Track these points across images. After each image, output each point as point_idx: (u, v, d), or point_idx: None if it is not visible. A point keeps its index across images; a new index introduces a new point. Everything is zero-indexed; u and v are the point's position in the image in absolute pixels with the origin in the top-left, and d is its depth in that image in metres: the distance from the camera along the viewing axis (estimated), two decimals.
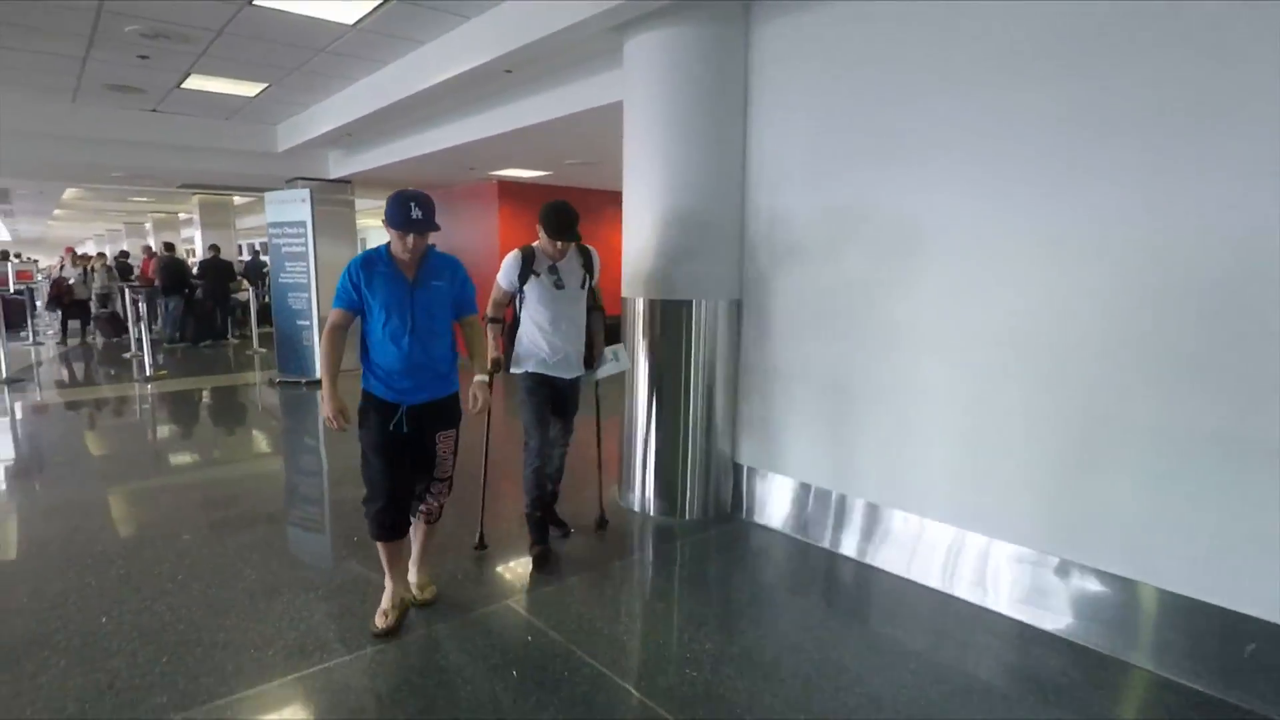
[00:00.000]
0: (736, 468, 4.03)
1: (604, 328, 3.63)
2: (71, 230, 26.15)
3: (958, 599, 3.05)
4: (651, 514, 4.03)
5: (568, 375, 3.43)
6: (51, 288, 12.63)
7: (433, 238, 2.67)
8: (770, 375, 3.83)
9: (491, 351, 3.27)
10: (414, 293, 2.62)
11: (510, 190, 9.48)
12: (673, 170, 3.77)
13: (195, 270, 12.42)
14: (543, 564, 3.37)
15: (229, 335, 12.17)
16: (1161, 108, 2.41)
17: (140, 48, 5.45)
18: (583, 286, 3.43)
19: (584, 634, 2.78)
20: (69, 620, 2.82)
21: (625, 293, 4.07)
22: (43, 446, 5.67)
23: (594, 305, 3.56)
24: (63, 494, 4.38)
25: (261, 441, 6.18)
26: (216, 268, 12.04)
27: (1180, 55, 2.37)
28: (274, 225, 8.20)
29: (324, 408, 2.64)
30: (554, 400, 3.46)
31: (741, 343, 3.95)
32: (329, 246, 8.04)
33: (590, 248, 3.48)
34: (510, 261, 3.33)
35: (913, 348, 3.20)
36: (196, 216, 15.63)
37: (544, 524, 3.54)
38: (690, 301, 3.82)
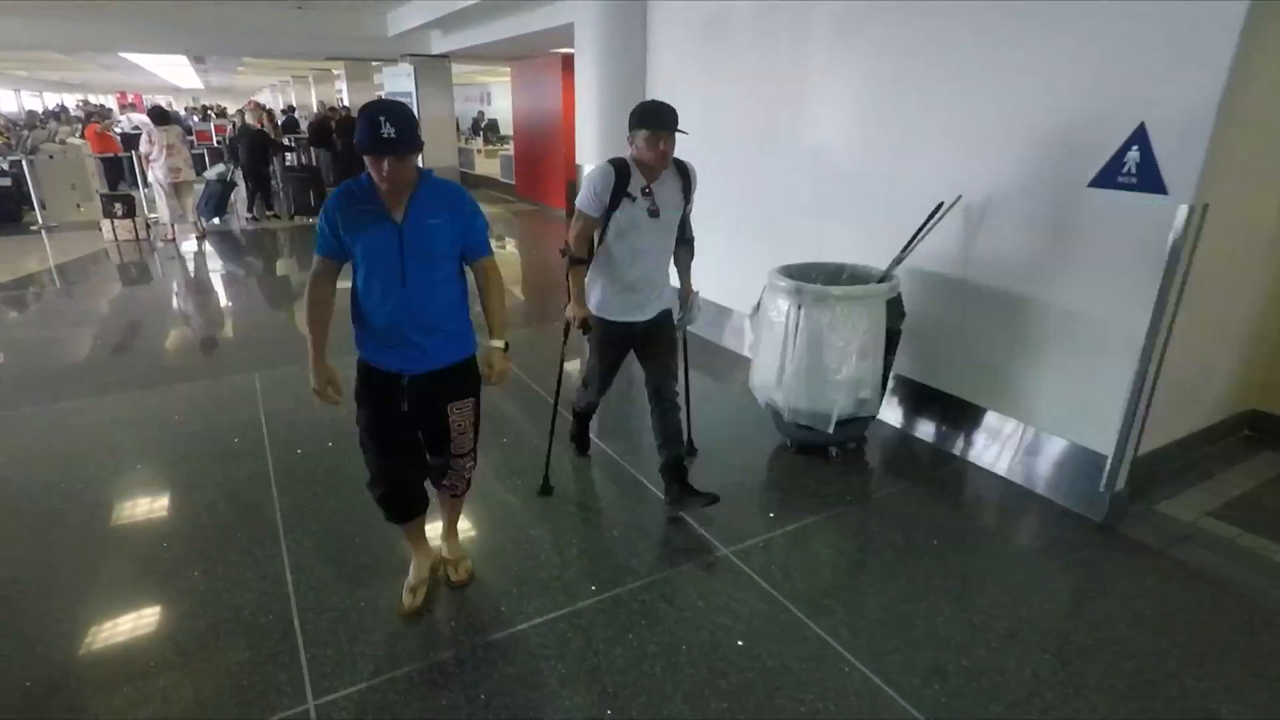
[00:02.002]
0: None
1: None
2: (251, 80, 30.37)
3: None
4: None
5: (654, 315, 2.91)
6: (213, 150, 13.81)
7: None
8: None
9: (577, 308, 2.82)
10: (404, 234, 2.05)
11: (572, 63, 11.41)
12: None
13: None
14: (582, 454, 3.53)
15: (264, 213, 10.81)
16: (872, 71, 4.31)
17: None
18: (678, 214, 2.86)
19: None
20: None
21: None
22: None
23: (686, 237, 3.02)
24: None
25: None
26: (249, 136, 10.25)
27: (872, 47, 4.23)
28: (390, 94, 10.82)
29: (311, 380, 2.15)
30: (638, 345, 2.97)
31: None
32: (431, 109, 10.60)
33: (689, 163, 2.86)
34: (597, 176, 2.70)
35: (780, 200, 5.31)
36: (344, 73, 18.57)
37: (586, 427, 3.53)
38: None
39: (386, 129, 1.89)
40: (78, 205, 10.74)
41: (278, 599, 2.55)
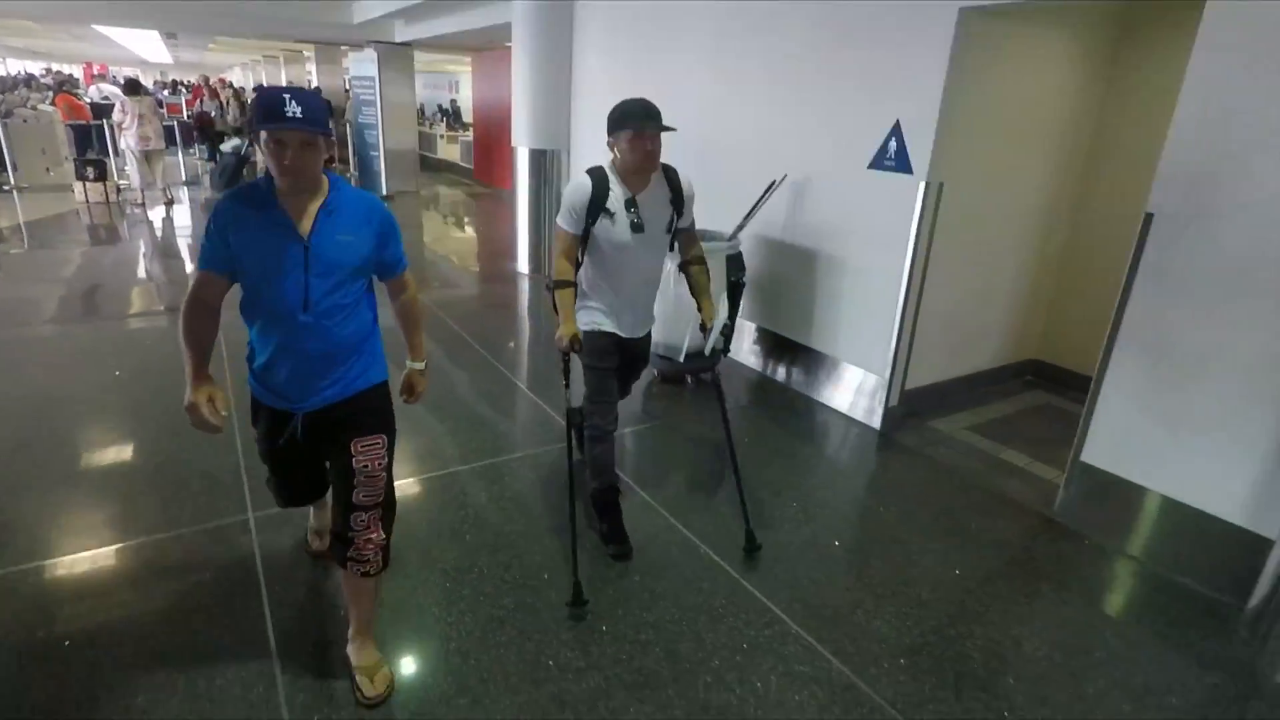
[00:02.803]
0: None
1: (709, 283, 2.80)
2: (221, 58, 30.50)
3: None
4: None
5: (641, 334, 2.76)
6: (195, 120, 14.91)
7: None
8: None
9: (566, 326, 2.50)
10: (310, 251, 1.75)
11: None
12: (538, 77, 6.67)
13: None
14: (622, 558, 2.69)
15: None
16: (766, 66, 5.18)
17: None
18: (668, 230, 2.59)
19: None
20: None
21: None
22: None
23: (693, 257, 2.75)
24: None
25: None
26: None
27: (768, 42, 5.09)
28: (354, 78, 11.49)
29: (186, 395, 1.78)
30: (623, 362, 2.76)
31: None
32: (393, 94, 11.30)
33: (678, 170, 2.62)
34: (575, 191, 2.48)
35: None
36: (314, 56, 19.06)
37: (618, 511, 2.79)
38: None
39: (291, 107, 1.62)
40: (48, 170, 11.24)
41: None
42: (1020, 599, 2.68)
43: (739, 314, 4.45)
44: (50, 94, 16.43)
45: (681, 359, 4.22)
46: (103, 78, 28.74)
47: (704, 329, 2.75)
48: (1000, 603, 2.64)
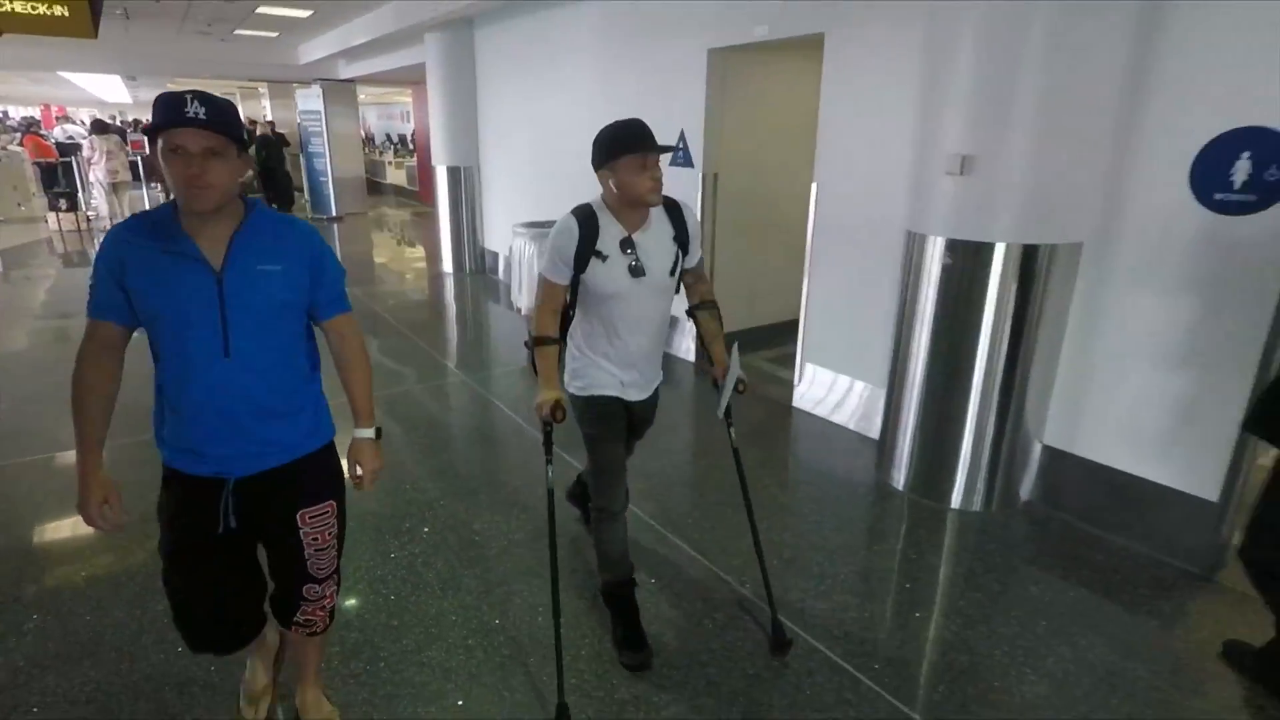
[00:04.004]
0: None
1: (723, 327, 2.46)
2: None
3: None
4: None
5: (646, 395, 2.35)
6: (145, 161, 15.15)
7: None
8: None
9: (546, 390, 2.12)
10: (225, 285, 1.48)
11: None
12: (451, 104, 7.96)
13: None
14: (639, 668, 2.26)
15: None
16: (638, 75, 6.50)
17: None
18: (672, 272, 2.21)
19: None
20: None
21: None
22: None
23: (703, 300, 2.43)
24: None
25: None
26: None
27: (640, 47, 6.42)
28: (302, 112, 12.71)
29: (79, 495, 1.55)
30: (628, 427, 2.37)
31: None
32: (338, 126, 12.55)
33: (684, 204, 2.27)
34: (559, 236, 2.10)
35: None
36: (267, 91, 20.26)
37: (634, 610, 2.40)
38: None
39: (193, 107, 1.37)
40: (19, 205, 12.26)
41: None
42: None
43: None
44: (18, 135, 17.39)
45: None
46: (66, 119, 29.60)
47: (715, 384, 2.39)
48: None
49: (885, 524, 3.24)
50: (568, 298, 2.20)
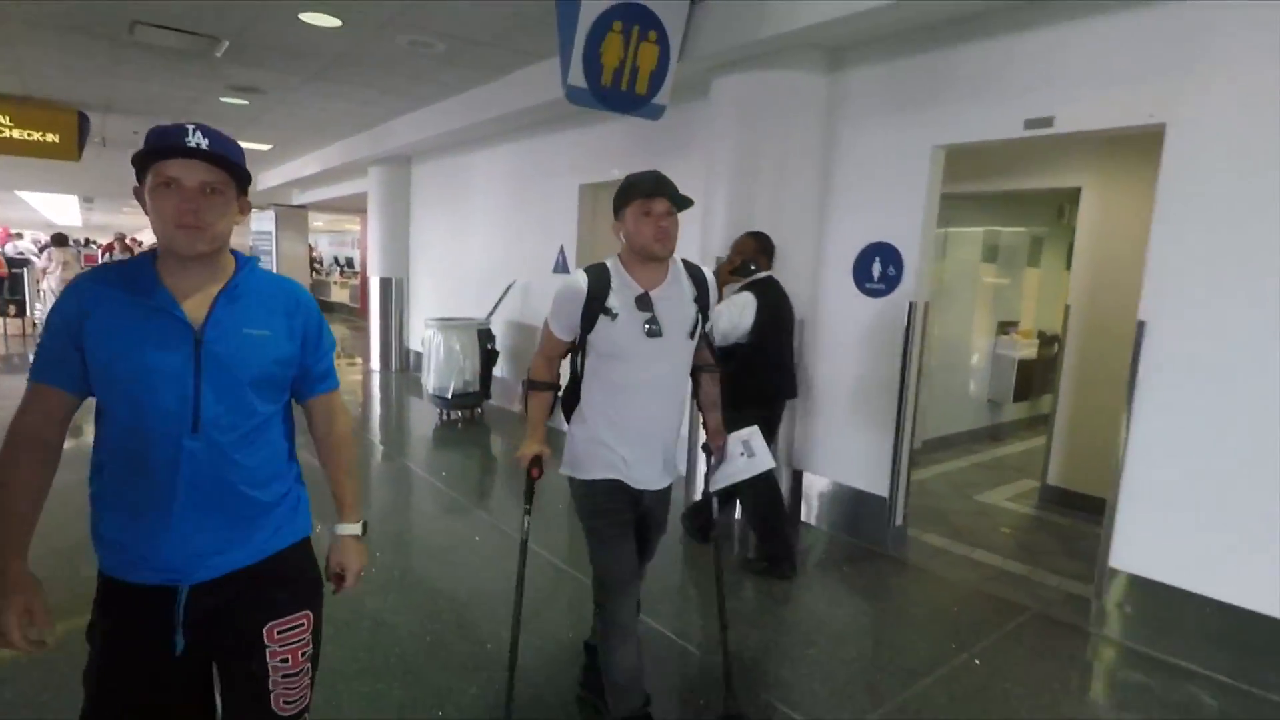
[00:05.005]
0: None
1: (722, 397, 2.29)
2: (134, 219, 32.67)
3: None
4: None
5: (658, 485, 2.09)
6: None
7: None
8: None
9: (530, 442, 2.03)
10: (204, 346, 1.28)
11: None
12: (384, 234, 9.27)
13: None
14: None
15: None
16: (520, 213, 7.85)
17: None
18: (692, 335, 2.05)
19: None
20: None
21: None
22: None
23: (706, 362, 2.22)
24: None
25: None
26: None
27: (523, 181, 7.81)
28: (255, 232, 13.94)
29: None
30: (638, 523, 2.11)
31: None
32: (288, 248, 13.80)
33: (703, 268, 2.13)
34: (566, 290, 1.99)
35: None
36: None
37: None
38: None
39: (195, 137, 1.22)
40: None
41: None
42: None
43: (494, 368, 6.79)
44: None
45: (449, 396, 6.48)
46: (19, 236, 30.43)
47: (708, 451, 2.28)
48: None
49: None
50: (579, 368, 2.08)
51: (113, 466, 1.31)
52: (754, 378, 3.42)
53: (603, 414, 2.03)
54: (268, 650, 1.37)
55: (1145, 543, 3.01)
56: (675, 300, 2.03)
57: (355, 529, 1.56)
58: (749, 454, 2.28)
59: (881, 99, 3.82)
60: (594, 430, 2.04)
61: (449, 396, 6.50)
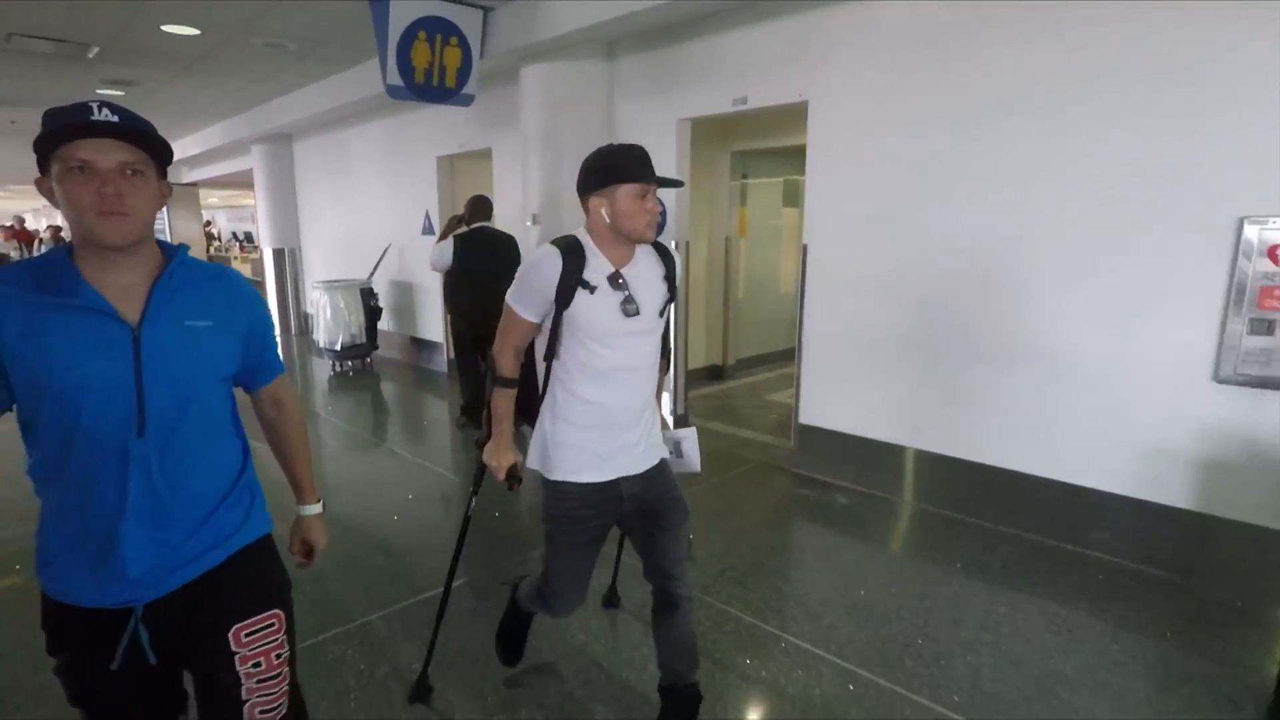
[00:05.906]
0: None
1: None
2: (17, 203, 31.10)
3: None
4: None
5: (641, 468, 1.96)
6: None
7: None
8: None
9: (499, 452, 1.95)
10: (143, 344, 1.20)
11: None
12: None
13: None
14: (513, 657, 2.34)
15: None
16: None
17: None
18: (661, 313, 1.97)
19: None
20: None
21: None
22: None
23: (663, 348, 2.06)
24: None
25: None
26: None
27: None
28: None
29: None
30: (629, 517, 1.97)
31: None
32: (181, 227, 14.06)
33: (668, 247, 2.02)
34: (538, 265, 1.81)
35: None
36: None
37: (522, 634, 2.35)
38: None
39: (102, 114, 1.11)
40: None
41: None
42: None
43: (379, 322, 7.70)
44: None
45: (339, 349, 7.38)
46: None
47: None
48: None
49: None
50: (552, 352, 1.86)
51: (54, 484, 1.21)
52: None
53: (580, 402, 1.86)
54: (236, 656, 1.29)
55: (814, 402, 4.31)
56: (646, 278, 1.90)
57: (315, 509, 1.57)
58: (677, 455, 2.17)
59: (643, 82, 4.89)
60: (568, 421, 1.87)
61: (339, 349, 7.40)
